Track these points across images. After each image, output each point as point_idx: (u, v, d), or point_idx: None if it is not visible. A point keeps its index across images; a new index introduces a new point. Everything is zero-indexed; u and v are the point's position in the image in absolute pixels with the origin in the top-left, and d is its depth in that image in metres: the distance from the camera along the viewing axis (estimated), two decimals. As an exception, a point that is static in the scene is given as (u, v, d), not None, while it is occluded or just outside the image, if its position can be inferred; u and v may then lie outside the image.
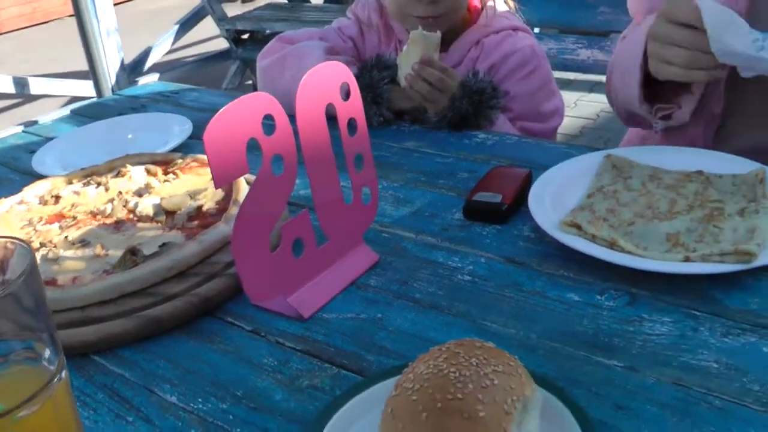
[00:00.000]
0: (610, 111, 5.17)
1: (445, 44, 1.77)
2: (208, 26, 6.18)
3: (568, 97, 1.90)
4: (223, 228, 1.18)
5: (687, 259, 1.04)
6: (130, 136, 1.78)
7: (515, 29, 1.87)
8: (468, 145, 1.59)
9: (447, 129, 1.67)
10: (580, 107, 5.31)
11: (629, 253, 1.08)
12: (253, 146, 0.94)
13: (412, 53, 1.66)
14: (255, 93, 0.95)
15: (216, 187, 0.93)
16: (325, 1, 6.44)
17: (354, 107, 1.10)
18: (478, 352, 0.73)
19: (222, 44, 6.19)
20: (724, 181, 1.26)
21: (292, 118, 0.99)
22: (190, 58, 6.65)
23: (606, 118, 5.03)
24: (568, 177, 1.31)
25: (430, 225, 1.26)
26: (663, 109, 1.47)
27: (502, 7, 1.92)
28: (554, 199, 1.23)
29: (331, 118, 1.06)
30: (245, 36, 5.74)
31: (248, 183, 1.30)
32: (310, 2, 6.26)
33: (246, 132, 0.93)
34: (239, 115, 0.92)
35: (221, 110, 0.90)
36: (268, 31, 5.60)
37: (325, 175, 1.07)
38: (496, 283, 1.08)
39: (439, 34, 1.67)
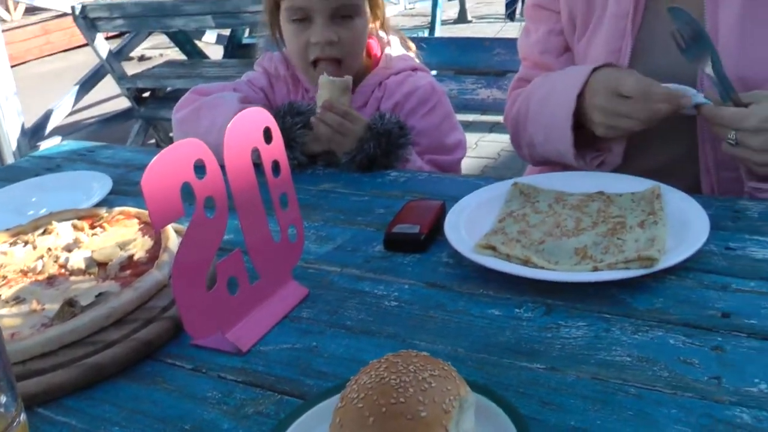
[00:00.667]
0: (510, 150, 5.34)
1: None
2: (108, 85, 6.15)
3: (469, 138, 1.99)
4: (156, 274, 1.22)
5: (595, 269, 1.14)
6: (33, 198, 1.79)
7: (414, 69, 1.97)
8: (382, 183, 1.67)
9: (358, 170, 1.74)
10: (481, 147, 5.45)
11: (542, 268, 1.16)
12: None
13: (321, 98, 1.75)
14: (186, 139, 1.01)
15: (155, 231, 0.98)
16: (224, 57, 6.49)
17: (277, 150, 1.17)
18: (414, 360, 0.80)
19: (123, 103, 6.16)
20: (624, 199, 1.37)
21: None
22: (92, 119, 6.59)
23: (507, 157, 5.18)
24: (479, 205, 1.40)
25: (354, 258, 1.32)
26: (596, 157, 1.59)
27: (400, 50, 2.02)
28: (468, 225, 1.32)
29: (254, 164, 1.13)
30: (146, 94, 5.73)
31: (176, 231, 1.35)
32: (209, 58, 6.31)
33: (180, 177, 0.98)
34: (173, 161, 0.97)
35: (156, 157, 0.95)
36: (169, 88, 5.62)
37: (254, 215, 1.13)
38: (421, 306, 1.15)
39: (347, 78, 1.75)
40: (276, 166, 1.18)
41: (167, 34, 6.19)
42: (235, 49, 6.47)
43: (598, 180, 1.46)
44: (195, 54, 6.26)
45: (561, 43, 1.79)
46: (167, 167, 0.97)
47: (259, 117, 1.15)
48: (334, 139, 1.75)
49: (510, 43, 2.56)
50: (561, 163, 1.64)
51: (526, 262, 1.18)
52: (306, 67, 1.89)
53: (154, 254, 1.32)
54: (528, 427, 0.81)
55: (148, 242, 1.36)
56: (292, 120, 1.74)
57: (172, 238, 1.31)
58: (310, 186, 1.67)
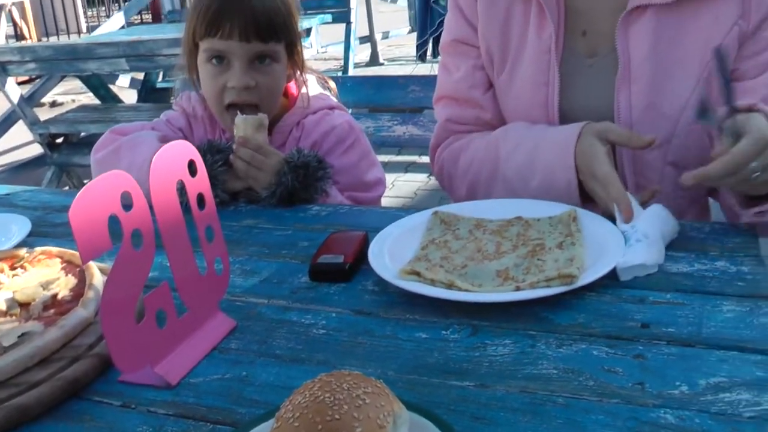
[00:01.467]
0: (426, 189, 5.41)
1: (268, 128, 1.86)
2: (19, 132, 6.04)
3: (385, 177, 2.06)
4: (81, 312, 1.21)
5: (518, 289, 1.17)
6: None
7: (332, 108, 2.01)
8: (304, 218, 1.69)
9: (278, 205, 1.76)
10: (398, 187, 5.52)
11: (466, 291, 1.19)
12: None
13: (236, 134, 1.77)
14: (113, 171, 1.01)
15: (83, 263, 0.98)
16: (138, 101, 6.46)
17: (201, 183, 1.18)
18: (347, 378, 0.82)
19: (35, 150, 6.07)
20: (542, 223, 1.42)
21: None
22: (3, 167, 6.48)
23: (423, 196, 5.25)
24: (401, 234, 1.43)
25: (280, 290, 1.33)
26: None
27: (317, 90, 2.05)
28: (391, 254, 1.34)
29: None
30: (59, 140, 5.64)
31: (100, 270, 1.35)
32: (123, 102, 6.26)
33: (107, 208, 0.98)
34: (100, 193, 0.98)
35: (83, 189, 0.96)
36: (83, 134, 5.54)
37: (181, 248, 1.14)
38: (349, 333, 1.16)
39: (261, 115, 1.77)
40: (201, 200, 1.19)
41: (80, 78, 6.13)
42: (149, 92, 6.46)
43: (516, 206, 1.50)
44: (109, 98, 6.21)
45: (485, 77, 1.83)
46: (94, 199, 0.97)
47: (184, 150, 1.16)
48: (250, 174, 1.76)
49: (424, 81, 2.63)
50: None
51: (450, 286, 1.20)
52: (221, 110, 1.89)
53: (78, 292, 1.31)
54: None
55: (71, 281, 1.35)
56: (213, 158, 1.75)
57: (97, 276, 1.31)
58: (233, 222, 1.68)
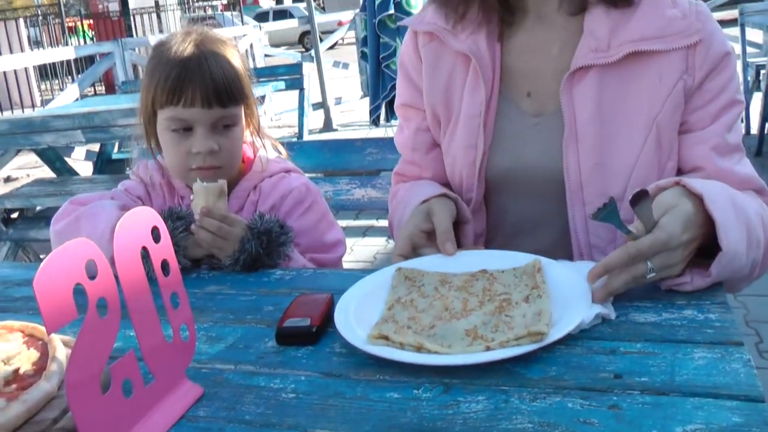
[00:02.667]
0: (385, 252, 5.42)
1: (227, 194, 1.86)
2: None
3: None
4: (44, 385, 1.19)
5: (488, 348, 1.16)
6: None
7: (288, 171, 2.03)
8: (268, 282, 1.67)
9: (242, 271, 1.74)
10: (357, 252, 5.52)
11: (436, 353, 1.18)
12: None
13: (197, 206, 1.76)
14: (77, 239, 1.00)
15: (48, 333, 0.96)
16: (94, 173, 6.43)
17: (165, 249, 1.17)
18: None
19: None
20: (507, 275, 1.42)
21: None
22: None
23: (383, 260, 5.27)
24: (366, 294, 1.41)
25: (247, 355, 1.31)
26: None
27: (273, 154, 2.06)
28: (357, 316, 1.33)
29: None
30: (14, 215, 5.57)
31: (63, 343, 1.32)
32: (78, 175, 6.22)
33: (72, 277, 0.97)
34: (64, 262, 0.96)
35: (47, 258, 0.94)
36: (39, 208, 5.48)
37: (146, 315, 1.12)
38: (320, 396, 1.15)
39: (221, 182, 1.77)
40: (165, 266, 1.17)
41: (36, 151, 6.09)
42: (105, 164, 6.44)
43: (480, 258, 1.50)
44: (65, 171, 6.17)
45: (429, 139, 1.88)
46: (59, 269, 0.96)
47: (147, 217, 1.15)
48: (216, 244, 1.75)
49: (380, 143, 2.64)
50: None
51: (419, 349, 1.19)
52: (186, 174, 1.90)
53: (41, 366, 1.28)
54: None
55: (34, 355, 1.32)
56: (173, 224, 1.74)
57: (60, 348, 1.28)
58: (196, 289, 1.66)
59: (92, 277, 1.00)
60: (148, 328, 1.12)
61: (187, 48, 1.85)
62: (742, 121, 7.75)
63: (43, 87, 18.11)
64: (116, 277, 1.05)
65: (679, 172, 1.66)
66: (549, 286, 1.34)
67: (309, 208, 1.97)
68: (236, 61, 1.92)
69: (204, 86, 1.82)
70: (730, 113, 1.63)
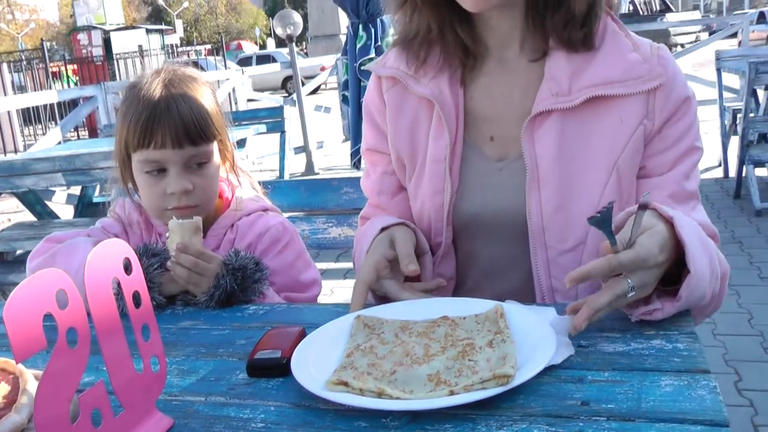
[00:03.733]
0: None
1: (202, 231, 1.88)
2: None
3: (324, 284, 2.05)
4: (14, 417, 1.18)
5: (452, 393, 1.14)
6: None
7: (265, 210, 2.04)
8: (241, 317, 1.68)
9: (216, 307, 1.75)
10: (338, 293, 5.53)
11: (398, 398, 1.16)
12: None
13: (173, 242, 1.76)
14: (47, 269, 1.01)
15: (17, 362, 0.96)
16: (75, 216, 6.41)
17: (137, 281, 1.18)
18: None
19: (-32, 271, 5.97)
20: (469, 321, 1.40)
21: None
22: (-69, 290, 6.35)
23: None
24: (324, 342, 1.39)
25: (217, 387, 1.32)
26: None
27: (250, 192, 2.07)
28: (315, 364, 1.30)
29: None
30: (-6, 259, 5.56)
31: (35, 377, 1.32)
32: (59, 218, 6.21)
33: (42, 307, 0.97)
34: (34, 292, 0.97)
35: (17, 287, 0.95)
36: (19, 251, 5.47)
37: (116, 346, 1.12)
38: (289, 425, 1.15)
39: (196, 219, 1.78)
40: (137, 298, 1.18)
41: (17, 195, 6.08)
42: (85, 207, 6.42)
43: (441, 305, 1.49)
44: (45, 215, 6.16)
45: (395, 183, 1.89)
46: (29, 298, 0.96)
47: (119, 249, 1.16)
48: (192, 280, 1.76)
49: (357, 182, 2.64)
50: None
51: (380, 395, 1.16)
52: (162, 214, 1.91)
53: (11, 399, 1.28)
54: None
55: (5, 388, 1.32)
56: (148, 261, 1.75)
57: (30, 381, 1.28)
58: (169, 324, 1.66)
59: (63, 308, 1.01)
60: (118, 359, 1.13)
61: (155, 89, 1.87)
62: (720, 164, 7.84)
63: (26, 132, 18.12)
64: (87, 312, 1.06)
65: None
66: (512, 331, 1.32)
67: (285, 246, 1.98)
68: (206, 99, 1.93)
69: (173, 126, 1.83)
70: (689, 160, 1.65)
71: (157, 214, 1.94)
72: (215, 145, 1.94)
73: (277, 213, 2.08)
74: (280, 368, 1.32)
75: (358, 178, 2.20)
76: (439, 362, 1.25)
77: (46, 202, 6.36)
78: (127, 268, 1.17)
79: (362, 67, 7.06)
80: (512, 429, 1.05)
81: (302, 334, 1.42)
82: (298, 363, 1.29)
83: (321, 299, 2.09)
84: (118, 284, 1.14)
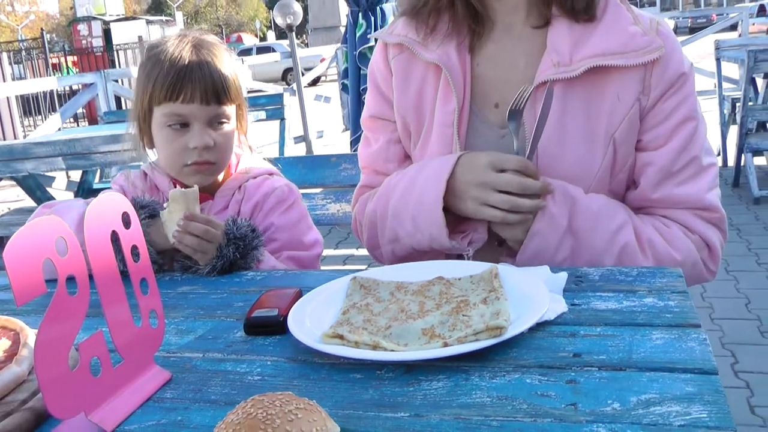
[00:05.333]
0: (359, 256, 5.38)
1: (210, 192, 1.96)
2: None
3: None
4: (15, 369, 1.20)
5: (446, 345, 1.16)
6: None
7: (270, 173, 2.09)
8: (239, 282, 1.69)
9: (217, 275, 1.76)
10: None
11: (392, 351, 1.18)
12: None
13: (174, 211, 1.77)
14: (47, 217, 1.02)
15: (17, 304, 0.97)
16: (75, 200, 6.42)
17: (135, 235, 1.19)
18: (279, 397, 0.83)
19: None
20: (463, 282, 1.42)
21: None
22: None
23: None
24: (320, 302, 1.40)
25: (215, 344, 1.33)
26: (465, 237, 1.67)
27: (255, 158, 2.10)
28: (312, 321, 1.32)
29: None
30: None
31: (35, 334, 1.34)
32: (61, 202, 6.22)
33: (41, 252, 0.99)
34: (35, 237, 0.98)
35: (18, 231, 0.96)
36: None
37: (115, 298, 1.14)
38: (285, 377, 1.17)
39: (196, 188, 1.79)
40: (135, 251, 1.19)
41: (17, 180, 6.09)
42: (85, 194, 6.41)
43: (436, 268, 1.50)
44: (45, 200, 6.15)
45: (400, 151, 1.91)
46: (29, 242, 0.97)
47: (118, 201, 1.18)
48: (201, 248, 1.77)
49: (354, 158, 2.66)
50: (429, 252, 1.70)
51: (375, 347, 1.18)
52: (180, 170, 1.95)
53: (12, 353, 1.29)
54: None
55: (5, 343, 1.34)
56: (140, 212, 1.77)
57: (31, 336, 1.29)
58: (168, 290, 1.68)
59: (62, 255, 1.02)
60: (117, 310, 1.14)
61: (185, 48, 1.92)
62: (719, 153, 7.85)
63: (26, 123, 18.11)
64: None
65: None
66: (506, 291, 1.34)
67: (291, 206, 2.04)
68: (231, 64, 2.00)
69: (202, 83, 1.89)
70: (683, 132, 1.66)
71: (175, 171, 1.98)
72: (235, 109, 2.00)
73: (282, 177, 2.14)
74: (277, 326, 1.34)
75: (355, 155, 2.22)
76: (434, 317, 1.27)
77: (47, 188, 6.37)
78: (126, 222, 1.18)
79: (368, 36, 7.05)
80: (505, 379, 1.07)
81: (299, 295, 1.44)
82: (294, 320, 1.31)
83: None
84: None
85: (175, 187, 1.95)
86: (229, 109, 1.97)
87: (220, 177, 2.04)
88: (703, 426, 0.89)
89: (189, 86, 1.88)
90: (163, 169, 2.04)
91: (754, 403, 3.38)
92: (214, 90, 1.91)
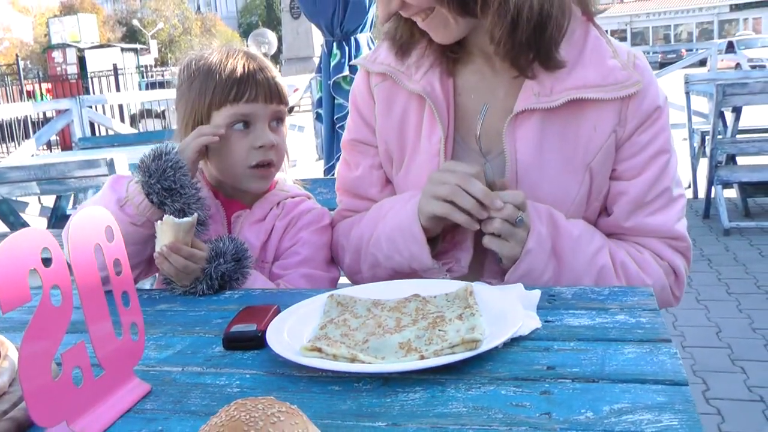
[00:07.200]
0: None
1: (247, 203, 2.01)
2: None
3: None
4: (-5, 380, 1.22)
5: (422, 358, 1.19)
6: None
7: (309, 197, 2.13)
8: (217, 300, 1.71)
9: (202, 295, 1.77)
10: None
11: (370, 363, 1.20)
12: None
13: (164, 232, 1.73)
14: (32, 228, 1.04)
15: (3, 312, 0.99)
16: (48, 228, 6.40)
17: (118, 249, 1.21)
18: (262, 401, 0.85)
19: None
20: (439, 299, 1.46)
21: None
22: None
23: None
24: (297, 319, 1.42)
25: (194, 359, 1.35)
26: (447, 262, 1.70)
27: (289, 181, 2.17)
28: (291, 334, 1.35)
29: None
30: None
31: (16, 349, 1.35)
32: (30, 230, 6.19)
33: (27, 263, 1.00)
34: (20, 247, 1.00)
35: (4, 241, 0.98)
36: None
37: (98, 310, 1.15)
38: (264, 390, 1.18)
39: (192, 218, 1.77)
40: (117, 265, 1.21)
41: (-11, 204, 6.06)
42: (59, 219, 6.40)
43: (412, 286, 1.53)
44: (18, 226, 6.12)
45: (382, 176, 1.94)
46: (15, 252, 0.99)
47: (102, 216, 1.19)
48: (177, 278, 1.78)
49: (330, 183, 2.69)
50: (411, 274, 1.73)
51: (353, 360, 1.20)
52: (243, 173, 1.96)
53: (-8, 365, 1.31)
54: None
55: (-15, 356, 1.35)
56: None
57: (12, 349, 1.31)
58: (147, 308, 1.68)
59: (47, 266, 1.04)
60: (99, 321, 1.16)
61: (238, 55, 1.97)
62: (689, 185, 7.92)
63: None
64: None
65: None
66: (481, 308, 1.37)
67: (323, 228, 2.04)
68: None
69: (265, 82, 1.94)
70: (656, 164, 1.71)
71: (238, 173, 1.97)
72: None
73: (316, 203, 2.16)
74: (256, 340, 1.35)
75: (331, 179, 2.25)
76: (410, 332, 1.30)
77: (20, 214, 6.34)
78: (109, 235, 1.20)
79: (350, 64, 7.08)
80: (481, 390, 1.10)
81: (277, 311, 1.45)
82: (273, 334, 1.33)
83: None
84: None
85: (217, 198, 2.01)
86: (285, 110, 2.00)
87: None
88: (673, 433, 0.92)
89: (252, 86, 1.92)
90: (212, 178, 2.05)
91: (724, 429, 3.42)
92: (276, 90, 1.96)
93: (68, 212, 6.51)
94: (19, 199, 6.50)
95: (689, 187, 8.39)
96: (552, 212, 1.65)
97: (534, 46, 1.63)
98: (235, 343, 1.37)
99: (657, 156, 1.70)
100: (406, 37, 1.80)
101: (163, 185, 1.76)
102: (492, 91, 1.78)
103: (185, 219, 1.75)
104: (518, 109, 1.67)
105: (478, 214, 1.57)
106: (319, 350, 1.23)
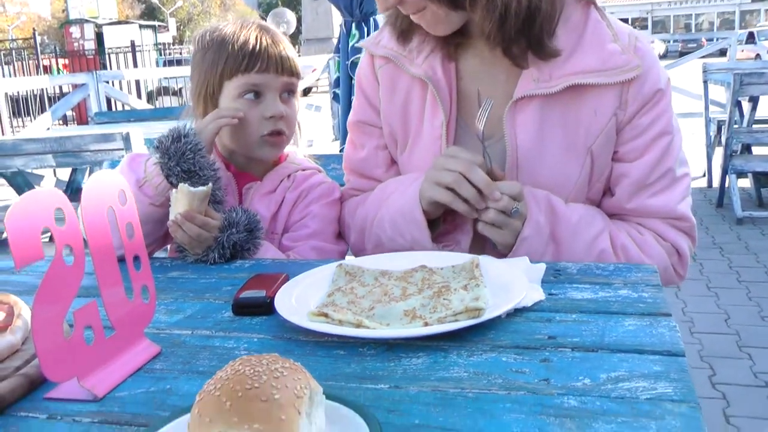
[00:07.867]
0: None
1: (258, 174, 2.03)
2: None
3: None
4: (9, 337, 1.24)
5: (426, 325, 1.21)
6: None
7: (320, 171, 2.14)
8: (228, 269, 1.74)
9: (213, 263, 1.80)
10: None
11: (375, 329, 1.23)
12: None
13: (178, 201, 1.76)
14: (46, 188, 1.07)
15: (16, 267, 1.01)
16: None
17: (130, 213, 1.24)
18: (266, 357, 0.87)
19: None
20: (445, 271, 1.48)
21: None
22: None
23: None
24: (306, 286, 1.45)
25: (204, 323, 1.38)
26: (447, 244, 1.74)
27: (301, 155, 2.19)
28: (299, 300, 1.37)
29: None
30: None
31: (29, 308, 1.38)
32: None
33: (40, 221, 1.03)
34: (34, 206, 1.03)
35: (19, 199, 1.01)
36: (5, 235, 5.47)
37: (110, 271, 1.18)
38: (270, 352, 1.20)
39: (205, 188, 1.79)
40: (130, 229, 1.24)
41: (5, 177, 6.11)
42: (74, 193, 6.44)
43: (419, 258, 1.56)
44: (33, 197, 6.17)
45: (387, 156, 1.97)
46: (29, 210, 1.02)
47: (116, 180, 1.22)
48: (190, 245, 1.80)
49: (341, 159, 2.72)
50: None
51: (358, 326, 1.23)
52: (254, 142, 1.98)
53: (6, 324, 1.33)
54: (379, 425, 0.88)
55: (0, 315, 1.38)
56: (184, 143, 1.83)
57: (25, 308, 1.34)
58: (159, 274, 1.71)
59: (60, 225, 1.07)
60: (110, 283, 1.18)
61: (252, 26, 1.99)
62: (704, 174, 7.91)
63: (14, 124, 18.08)
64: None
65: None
66: (486, 280, 1.39)
67: (332, 202, 2.06)
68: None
69: (277, 53, 1.96)
70: (659, 145, 1.72)
71: (249, 142, 2.00)
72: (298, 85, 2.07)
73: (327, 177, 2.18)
74: (264, 307, 1.38)
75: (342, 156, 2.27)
76: (416, 300, 1.32)
77: (35, 186, 6.38)
78: (122, 200, 1.23)
79: (354, 45, 7.08)
80: (482, 357, 1.12)
81: (286, 279, 1.48)
82: (281, 301, 1.35)
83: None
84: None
85: (228, 170, 2.03)
86: (297, 82, 2.03)
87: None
88: (668, 399, 0.95)
89: (265, 56, 1.94)
90: (224, 149, 2.07)
91: (729, 413, 3.43)
92: (288, 61, 1.98)
93: (83, 185, 6.53)
94: (35, 171, 6.53)
95: (704, 176, 8.38)
96: (550, 198, 1.67)
97: (525, 39, 1.65)
98: (244, 308, 1.40)
99: (659, 138, 1.71)
100: (406, 24, 1.81)
101: (183, 167, 1.79)
102: (493, 75, 1.79)
103: (200, 188, 1.77)
104: (518, 95, 1.69)
105: (477, 203, 1.60)
106: (326, 316, 1.26)
